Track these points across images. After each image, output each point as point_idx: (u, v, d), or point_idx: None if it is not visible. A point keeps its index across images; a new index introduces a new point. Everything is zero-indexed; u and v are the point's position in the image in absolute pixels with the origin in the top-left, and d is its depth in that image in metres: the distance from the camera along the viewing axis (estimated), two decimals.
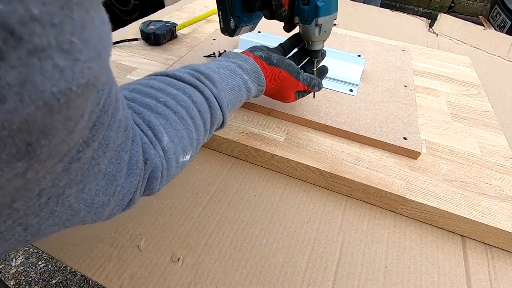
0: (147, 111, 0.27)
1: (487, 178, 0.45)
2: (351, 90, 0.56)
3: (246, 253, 0.37)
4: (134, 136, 0.25)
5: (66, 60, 0.12)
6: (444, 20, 0.99)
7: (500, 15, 1.93)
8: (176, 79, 0.32)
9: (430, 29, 0.97)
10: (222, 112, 0.34)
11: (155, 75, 0.33)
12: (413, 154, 0.46)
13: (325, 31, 0.40)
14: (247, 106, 0.52)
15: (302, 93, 0.45)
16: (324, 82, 0.58)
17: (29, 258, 1.06)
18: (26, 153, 0.12)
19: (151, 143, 0.27)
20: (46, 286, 1.00)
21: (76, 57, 0.12)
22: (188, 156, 0.30)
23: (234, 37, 0.49)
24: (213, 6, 0.86)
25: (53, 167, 0.15)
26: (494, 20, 2.01)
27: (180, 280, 0.34)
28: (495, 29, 1.90)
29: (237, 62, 0.38)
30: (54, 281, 1.01)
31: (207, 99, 0.32)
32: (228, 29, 0.47)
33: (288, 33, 0.45)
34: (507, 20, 1.84)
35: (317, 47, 0.43)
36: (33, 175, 0.14)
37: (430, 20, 1.03)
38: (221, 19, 0.46)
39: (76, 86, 0.12)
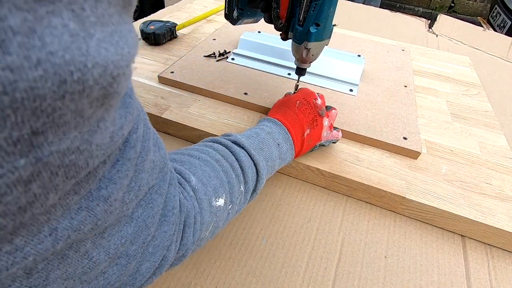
0: (171, 162, 0.26)
1: (487, 178, 0.45)
2: (351, 90, 0.56)
3: (246, 253, 0.37)
4: (172, 180, 0.23)
5: (77, 24, 0.10)
6: (444, 20, 0.99)
7: (500, 15, 1.93)
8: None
9: (430, 29, 0.97)
10: (250, 155, 0.33)
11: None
12: (413, 154, 0.46)
13: (312, 55, 0.41)
14: (247, 106, 0.52)
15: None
16: (324, 82, 0.58)
17: None
18: (30, 145, 0.10)
19: (180, 184, 0.25)
20: None
21: (88, 28, 0.11)
22: (221, 200, 0.29)
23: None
24: (213, 6, 0.86)
25: (67, 194, 0.13)
26: (494, 20, 2.02)
27: (180, 280, 0.34)
28: (495, 29, 1.90)
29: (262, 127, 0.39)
30: None
31: (226, 146, 0.33)
32: (231, 18, 0.47)
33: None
34: (507, 20, 1.84)
35: (302, 66, 0.44)
36: (39, 191, 0.11)
37: (429, 21, 1.03)
38: (226, 6, 0.47)
39: (91, 64, 0.11)
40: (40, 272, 0.13)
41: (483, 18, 2.45)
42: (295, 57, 0.43)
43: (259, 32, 0.69)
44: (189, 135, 0.49)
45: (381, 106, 0.53)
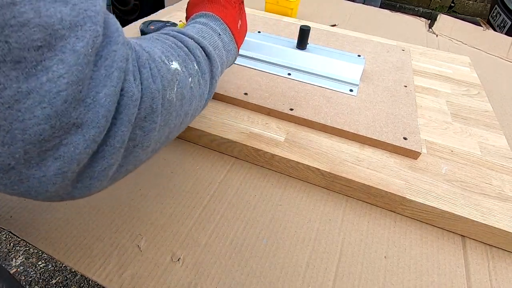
0: None
1: (487, 178, 0.45)
2: (351, 90, 0.56)
3: (246, 253, 0.37)
4: (110, 13, 0.21)
5: None
6: (444, 20, 0.99)
7: (500, 15, 1.93)
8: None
9: (430, 29, 0.97)
10: (192, 38, 0.31)
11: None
12: (413, 154, 0.46)
13: None
14: (247, 106, 0.52)
15: None
16: (324, 82, 0.58)
17: (29, 258, 1.06)
18: None
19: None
20: (46, 286, 1.00)
21: None
22: (175, 64, 0.27)
23: None
24: None
25: None
26: (494, 20, 2.02)
27: (180, 280, 0.34)
28: (495, 30, 1.90)
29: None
30: (54, 281, 1.01)
31: (165, 33, 0.31)
32: None
33: None
34: (507, 20, 1.84)
35: None
36: None
37: (429, 21, 1.03)
38: None
39: None
40: None
41: (483, 18, 2.45)
42: None
43: (259, 32, 0.69)
44: (189, 135, 0.49)
45: (381, 106, 0.53)
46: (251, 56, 0.62)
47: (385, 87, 0.59)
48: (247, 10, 0.80)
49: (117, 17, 0.22)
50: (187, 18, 0.40)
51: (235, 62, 0.51)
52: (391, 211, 0.43)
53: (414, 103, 0.55)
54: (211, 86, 0.34)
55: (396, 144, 0.46)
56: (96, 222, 0.38)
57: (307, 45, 0.63)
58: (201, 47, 0.32)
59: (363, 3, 1.17)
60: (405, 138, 0.47)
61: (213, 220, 0.40)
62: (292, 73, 0.59)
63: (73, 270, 1.04)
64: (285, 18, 0.85)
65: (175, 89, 0.26)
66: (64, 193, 0.21)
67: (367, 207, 0.43)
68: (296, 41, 0.63)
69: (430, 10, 3.16)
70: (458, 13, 3.14)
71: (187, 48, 0.30)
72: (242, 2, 0.42)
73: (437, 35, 0.94)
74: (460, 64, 0.73)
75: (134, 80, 0.22)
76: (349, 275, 0.36)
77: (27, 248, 1.08)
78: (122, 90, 0.20)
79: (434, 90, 0.62)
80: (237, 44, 0.39)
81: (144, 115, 0.23)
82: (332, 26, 0.87)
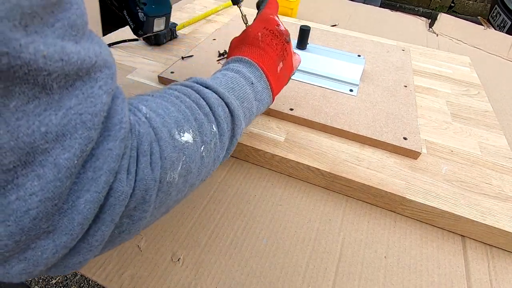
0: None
1: (487, 178, 0.45)
2: (351, 90, 0.56)
3: (247, 253, 0.37)
4: (120, 94, 0.19)
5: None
6: (444, 20, 0.99)
7: (500, 15, 1.93)
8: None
9: (430, 29, 0.97)
10: (217, 93, 0.29)
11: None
12: (413, 154, 0.46)
13: None
14: None
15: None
16: (324, 82, 0.58)
17: None
18: None
19: (130, 110, 0.21)
20: (46, 286, 1.00)
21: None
22: (188, 136, 0.25)
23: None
24: (213, 6, 0.86)
25: None
26: (494, 20, 2.02)
27: (180, 280, 0.34)
28: (495, 29, 1.90)
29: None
30: (54, 281, 1.01)
31: (187, 86, 0.29)
32: (140, 25, 0.43)
33: None
34: (507, 20, 1.84)
35: None
36: None
37: (430, 20, 1.03)
38: (128, 18, 0.43)
39: None
40: None
41: (483, 18, 2.45)
42: None
43: None
44: None
45: (381, 106, 0.53)
46: None
47: (385, 87, 0.59)
48: (247, 10, 0.80)
49: (117, 17, 0.21)
50: (228, 56, 0.38)
51: None
52: (391, 211, 0.43)
53: (414, 103, 0.55)
54: (230, 145, 0.32)
55: (396, 144, 0.46)
56: None
57: (307, 45, 0.63)
58: (225, 103, 0.29)
59: (363, 3, 1.17)
60: (405, 138, 0.47)
61: (213, 220, 0.40)
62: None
63: None
64: (285, 18, 0.85)
65: (180, 167, 0.24)
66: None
67: (367, 207, 0.43)
68: (296, 41, 0.63)
69: (430, 10, 3.15)
70: (458, 13, 3.14)
71: (208, 106, 0.28)
72: (288, 41, 0.37)
73: (437, 35, 0.94)
74: (460, 64, 0.73)
75: (128, 175, 0.19)
76: (349, 275, 0.36)
77: None
78: (110, 190, 0.18)
79: (434, 90, 0.62)
80: (272, 91, 0.36)
81: (134, 205, 0.21)
82: (332, 26, 0.87)
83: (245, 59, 0.34)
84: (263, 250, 0.37)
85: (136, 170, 0.20)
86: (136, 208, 0.21)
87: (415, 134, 0.48)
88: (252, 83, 0.33)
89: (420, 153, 0.46)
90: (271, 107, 0.50)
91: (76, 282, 1.01)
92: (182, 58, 0.61)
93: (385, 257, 0.38)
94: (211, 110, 0.28)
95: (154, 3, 0.43)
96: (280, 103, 0.51)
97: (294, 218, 0.41)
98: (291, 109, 0.50)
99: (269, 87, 0.35)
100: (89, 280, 1.02)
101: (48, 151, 0.15)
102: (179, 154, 0.23)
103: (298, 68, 0.42)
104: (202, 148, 0.26)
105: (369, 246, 0.39)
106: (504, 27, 1.86)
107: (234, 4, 0.46)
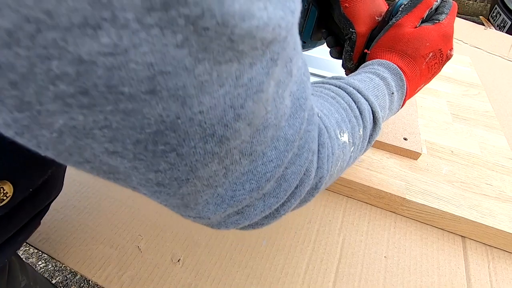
0: None
1: (487, 178, 0.44)
2: None
3: (247, 254, 0.37)
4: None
5: None
6: None
7: (500, 15, 1.93)
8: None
9: None
10: (366, 99, 0.29)
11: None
12: (413, 155, 0.46)
13: None
14: None
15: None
16: None
17: (29, 258, 1.06)
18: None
19: None
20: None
21: None
22: (346, 136, 0.26)
23: None
24: None
25: None
26: (494, 20, 2.02)
27: (180, 281, 0.34)
28: (495, 29, 1.90)
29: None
30: (54, 281, 1.01)
31: (339, 86, 0.29)
32: None
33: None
34: (507, 20, 1.84)
35: None
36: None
37: None
38: None
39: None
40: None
41: (484, 18, 2.45)
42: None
43: None
44: None
45: None
46: None
47: None
48: None
49: None
50: (369, 49, 0.35)
51: None
52: (391, 211, 0.43)
53: (414, 103, 0.55)
54: (363, 151, 0.31)
55: (396, 145, 0.46)
56: (96, 223, 0.38)
57: None
58: (373, 111, 0.29)
59: None
60: (405, 139, 0.47)
61: None
62: None
63: (73, 270, 1.04)
64: None
65: (338, 164, 0.25)
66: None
67: (367, 208, 0.43)
68: None
69: None
70: (458, 13, 3.13)
71: (359, 111, 0.28)
72: (446, 59, 0.34)
73: None
74: (460, 64, 0.72)
75: (319, 160, 0.22)
76: (349, 276, 0.36)
77: (27, 248, 1.08)
78: (304, 173, 0.21)
79: (434, 90, 0.62)
80: (403, 103, 0.34)
81: (308, 189, 0.23)
82: None
83: (399, 73, 0.32)
84: (263, 251, 0.37)
85: (317, 159, 0.22)
86: (308, 192, 0.23)
87: (415, 134, 0.48)
88: (392, 93, 0.32)
89: (420, 154, 0.46)
90: None
91: (76, 282, 1.01)
92: None
93: (385, 257, 0.38)
94: (361, 114, 0.28)
95: (311, 43, 0.44)
96: None
97: (294, 219, 0.41)
98: None
99: (403, 98, 0.34)
100: (89, 280, 1.02)
101: (281, 128, 0.17)
102: (339, 152, 0.25)
103: None
104: (352, 149, 0.27)
105: (369, 247, 0.39)
106: (504, 27, 1.86)
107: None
